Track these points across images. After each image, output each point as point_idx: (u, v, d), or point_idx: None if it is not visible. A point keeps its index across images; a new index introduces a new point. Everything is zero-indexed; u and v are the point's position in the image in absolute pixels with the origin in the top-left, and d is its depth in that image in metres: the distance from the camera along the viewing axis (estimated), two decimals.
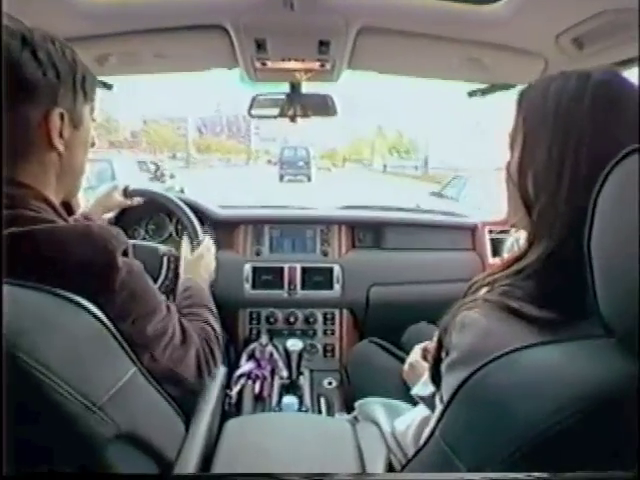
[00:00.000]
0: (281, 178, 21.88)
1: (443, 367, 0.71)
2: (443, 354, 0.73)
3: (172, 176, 13.16)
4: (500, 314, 0.65)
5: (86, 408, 0.61)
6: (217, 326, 1.11)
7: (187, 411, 0.96)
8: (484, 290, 0.75)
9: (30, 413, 0.58)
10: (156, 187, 1.86)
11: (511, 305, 0.65)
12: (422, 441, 0.88)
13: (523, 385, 0.54)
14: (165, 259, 1.33)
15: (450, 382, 0.67)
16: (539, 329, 0.62)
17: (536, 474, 0.48)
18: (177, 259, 1.38)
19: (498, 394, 0.56)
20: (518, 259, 0.73)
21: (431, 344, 1.20)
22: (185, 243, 1.48)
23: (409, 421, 1.04)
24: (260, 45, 1.36)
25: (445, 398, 0.68)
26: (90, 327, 0.67)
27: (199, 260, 1.41)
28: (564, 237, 0.66)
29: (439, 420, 0.65)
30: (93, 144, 0.94)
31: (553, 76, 0.74)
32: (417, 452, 0.73)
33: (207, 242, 1.52)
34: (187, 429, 0.95)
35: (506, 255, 1.97)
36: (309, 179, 21.83)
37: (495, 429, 0.55)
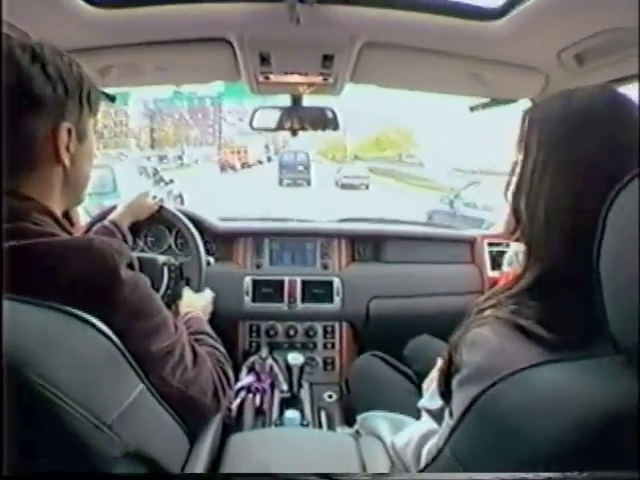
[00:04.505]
0: (280, 182, 22.06)
1: (454, 384, 0.71)
2: (453, 370, 0.73)
3: (171, 181, 13.03)
4: (510, 332, 0.65)
5: (95, 427, 0.59)
6: (223, 350, 1.10)
7: (191, 427, 0.95)
8: (491, 309, 0.75)
9: (39, 432, 0.56)
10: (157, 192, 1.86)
11: (521, 323, 0.65)
12: (424, 457, 0.89)
13: (534, 404, 0.54)
14: (165, 268, 1.32)
15: (461, 399, 0.67)
16: (549, 348, 0.61)
17: (544, 474, 0.48)
18: (177, 268, 1.37)
19: (508, 412, 0.56)
20: (520, 277, 0.73)
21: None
22: (187, 288, 1.51)
23: (407, 438, 1.03)
24: (264, 59, 1.37)
25: (456, 414, 0.68)
26: (97, 344, 0.66)
27: (200, 300, 1.48)
28: (561, 254, 0.67)
29: (449, 436, 0.65)
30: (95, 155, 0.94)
31: (550, 98, 0.76)
32: (426, 466, 0.72)
33: (208, 292, 1.63)
34: (191, 445, 0.94)
35: (506, 268, 1.96)
36: (309, 183, 22.04)
37: (505, 447, 0.55)
